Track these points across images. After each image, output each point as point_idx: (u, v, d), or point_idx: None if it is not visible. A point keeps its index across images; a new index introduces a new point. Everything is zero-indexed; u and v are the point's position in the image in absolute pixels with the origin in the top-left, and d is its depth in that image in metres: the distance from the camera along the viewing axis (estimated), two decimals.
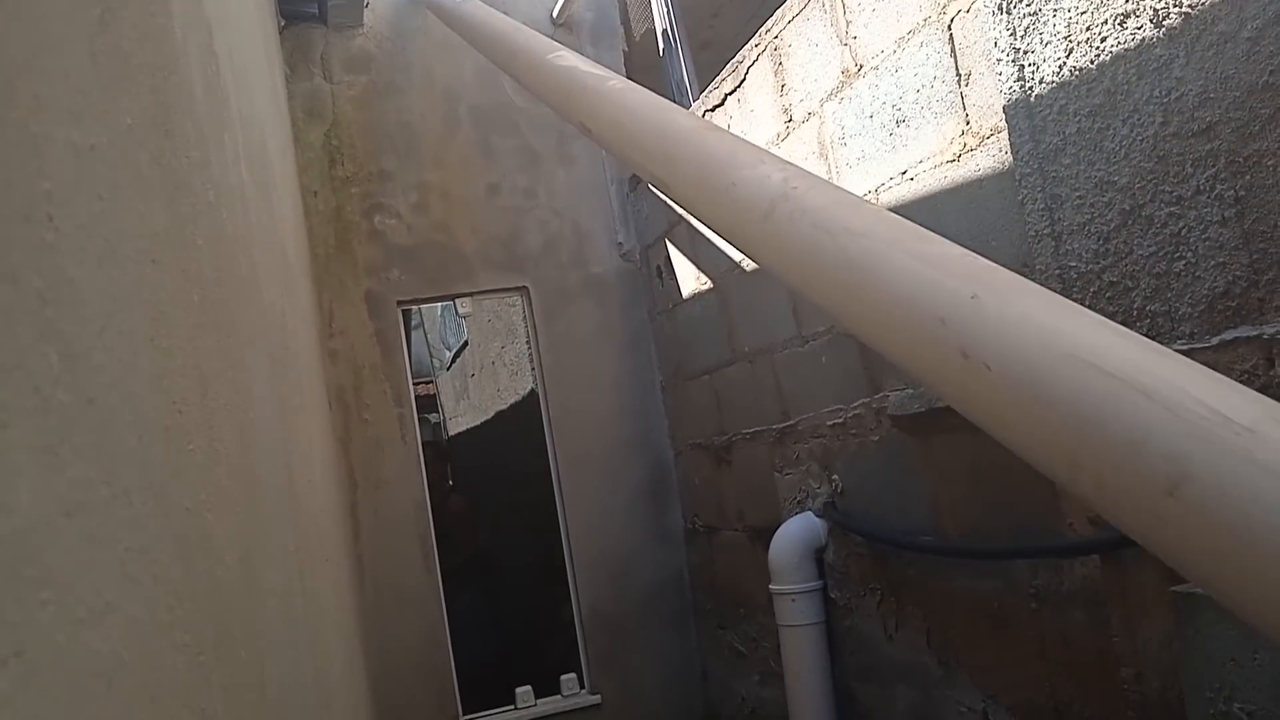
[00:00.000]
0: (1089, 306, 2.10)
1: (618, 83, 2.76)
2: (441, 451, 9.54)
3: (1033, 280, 2.29)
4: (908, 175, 2.78)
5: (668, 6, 4.80)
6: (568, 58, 3.06)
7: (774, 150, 3.49)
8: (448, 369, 11.46)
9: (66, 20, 0.63)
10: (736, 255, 3.94)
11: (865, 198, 2.97)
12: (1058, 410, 1.23)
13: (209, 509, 0.98)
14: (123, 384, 0.72)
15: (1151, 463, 1.12)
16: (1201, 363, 1.86)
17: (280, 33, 4.63)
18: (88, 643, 0.57)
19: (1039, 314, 1.33)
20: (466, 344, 10.33)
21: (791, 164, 1.96)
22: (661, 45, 4.88)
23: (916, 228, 1.67)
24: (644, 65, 5.32)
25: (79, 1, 0.67)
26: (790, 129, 3.37)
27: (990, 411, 1.37)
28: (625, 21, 5.34)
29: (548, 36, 5.05)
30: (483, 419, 9.59)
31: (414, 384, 5.16)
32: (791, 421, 3.72)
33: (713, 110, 3.95)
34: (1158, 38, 1.86)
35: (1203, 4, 1.76)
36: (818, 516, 3.61)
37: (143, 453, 0.77)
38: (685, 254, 4.53)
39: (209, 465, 1.01)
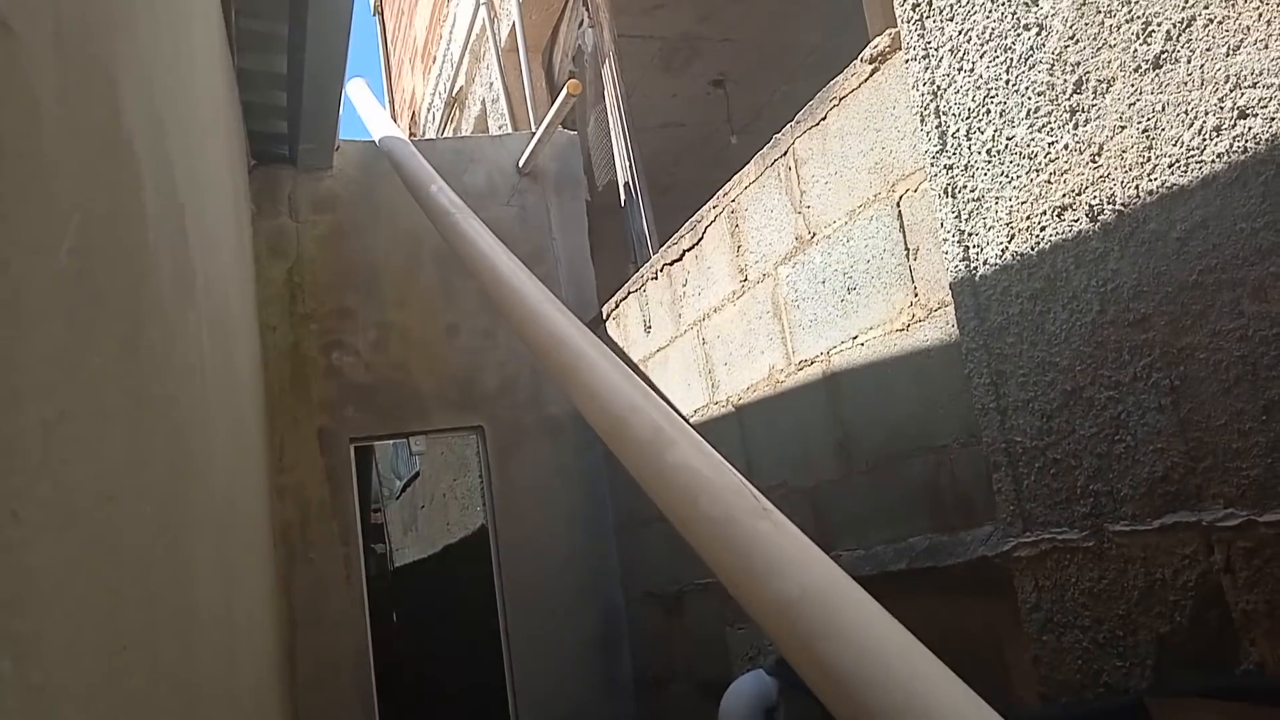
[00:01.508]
0: (1034, 482, 2.14)
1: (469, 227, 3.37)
2: (387, 584, 9.31)
3: (980, 451, 2.34)
4: (859, 340, 2.85)
5: (630, 160, 4.97)
6: (441, 194, 3.65)
7: (729, 308, 3.58)
8: (397, 498, 11.28)
9: (42, 291, 0.64)
10: (692, 404, 3.98)
11: (818, 358, 3.04)
12: None
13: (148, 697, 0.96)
14: (72, 604, 0.71)
15: None
16: (1143, 545, 1.90)
17: (250, 172, 4.71)
18: None
19: None
20: (418, 475, 10.21)
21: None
22: (623, 196, 5.03)
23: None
24: (607, 211, 5.47)
25: (55, 274, 0.68)
26: (745, 288, 3.46)
27: None
28: (589, 172, 5.51)
29: (513, 184, 5.20)
30: (430, 551, 9.40)
31: (361, 514, 5.07)
32: None
33: (671, 264, 4.05)
34: (1094, 231, 1.96)
35: (1135, 203, 1.86)
36: (769, 674, 3.54)
37: (86, 663, 0.76)
38: None
39: (151, 679, 0.99)
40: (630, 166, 4.92)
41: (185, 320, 1.28)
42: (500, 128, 6.63)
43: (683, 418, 4.02)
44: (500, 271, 3.07)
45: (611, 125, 5.05)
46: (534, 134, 5.15)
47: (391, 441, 10.32)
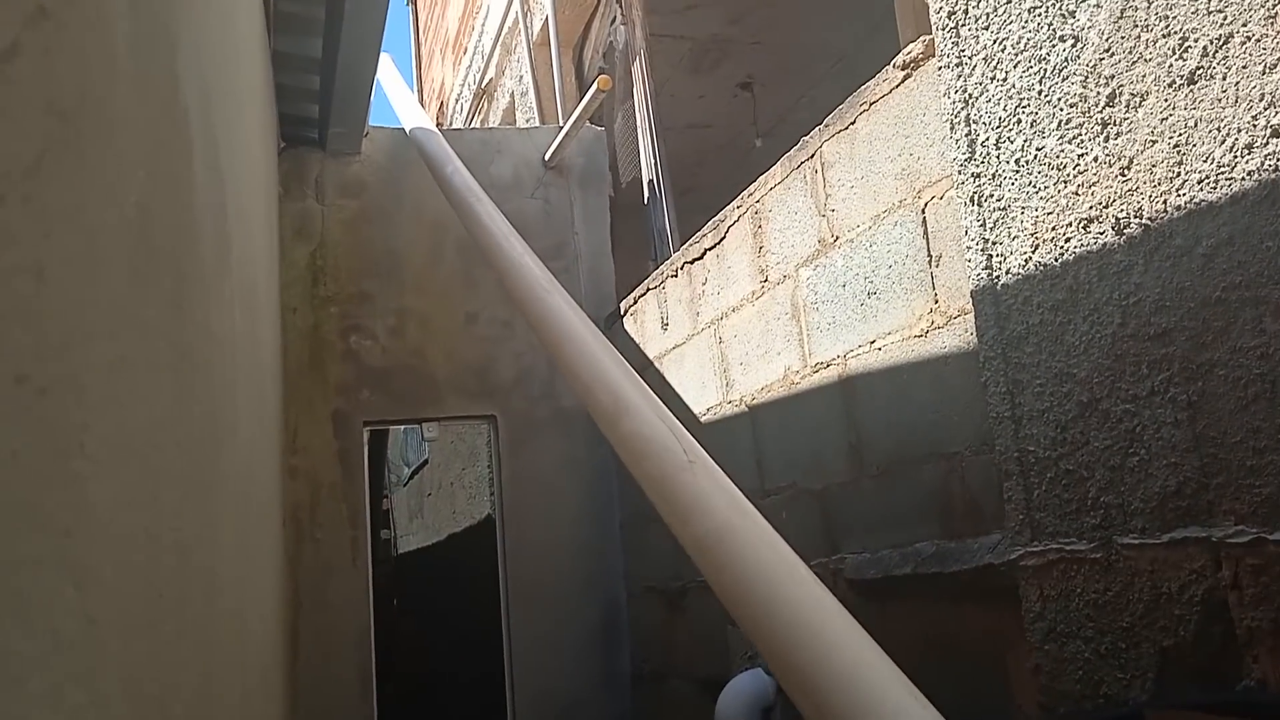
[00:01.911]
0: (1044, 492, 2.16)
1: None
2: (390, 570, 9.35)
3: (992, 460, 2.36)
4: (876, 345, 2.86)
5: (655, 158, 5.00)
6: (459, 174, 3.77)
7: (748, 308, 3.60)
8: (404, 485, 11.33)
9: (111, 239, 0.67)
10: (706, 403, 4.00)
11: (834, 361, 3.05)
12: None
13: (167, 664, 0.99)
14: (108, 554, 0.73)
15: None
16: (1151, 558, 1.91)
17: (279, 154, 4.75)
18: None
19: None
20: (426, 462, 10.25)
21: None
22: (646, 194, 5.06)
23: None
24: (629, 208, 5.50)
25: (123, 223, 0.71)
26: (765, 289, 3.48)
27: None
28: (614, 168, 5.53)
29: (538, 177, 5.23)
30: (435, 539, 9.45)
31: (372, 499, 5.11)
32: None
33: (692, 263, 4.07)
34: (1119, 244, 1.97)
35: (1162, 218, 1.88)
36: (767, 674, 3.56)
37: (122, 614, 0.78)
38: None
39: (178, 638, 1.01)
40: (655, 164, 4.94)
41: (222, 290, 1.31)
42: (528, 121, 6.66)
43: (687, 417, 4.04)
44: (509, 256, 3.26)
45: (639, 122, 5.08)
46: (561, 128, 5.18)
47: (402, 429, 10.38)
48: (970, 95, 2.32)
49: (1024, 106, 2.17)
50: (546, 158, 5.28)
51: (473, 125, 8.44)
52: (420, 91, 11.84)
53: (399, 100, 5.09)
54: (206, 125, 1.28)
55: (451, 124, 9.55)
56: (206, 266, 1.13)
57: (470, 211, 3.63)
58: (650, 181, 5.02)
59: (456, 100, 9.31)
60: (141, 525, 0.81)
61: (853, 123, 2.94)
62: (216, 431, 1.33)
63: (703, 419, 4.05)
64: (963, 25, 2.32)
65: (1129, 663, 1.99)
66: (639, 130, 5.09)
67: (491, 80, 7.85)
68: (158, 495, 0.87)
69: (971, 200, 2.35)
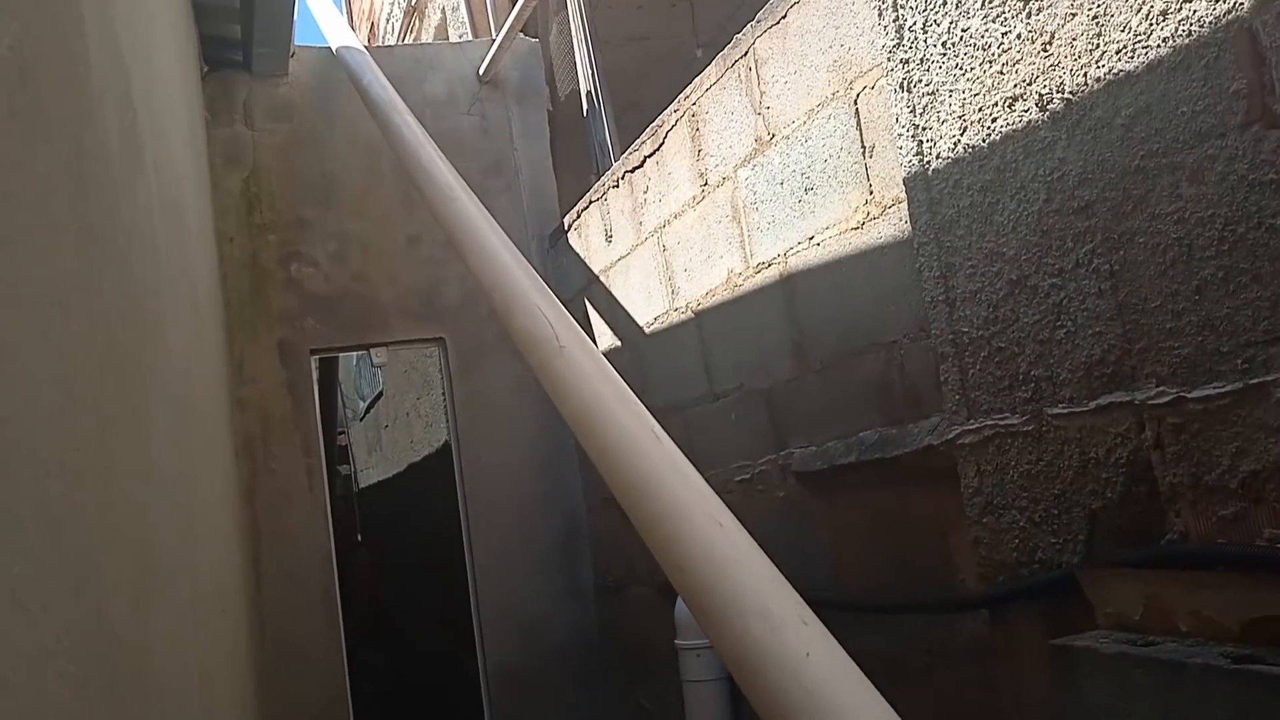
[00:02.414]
0: (979, 371, 2.21)
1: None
2: (351, 504, 9.36)
3: (929, 344, 2.40)
4: (815, 241, 2.88)
5: (592, 69, 4.92)
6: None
7: (689, 213, 3.59)
8: (360, 420, 11.29)
9: None
10: (652, 312, 4.02)
11: (775, 260, 3.07)
12: None
13: (103, 548, 0.99)
14: (22, 420, 0.73)
15: None
16: (1079, 426, 1.97)
17: (203, 78, 4.61)
18: None
19: None
20: (381, 395, 10.21)
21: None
22: (585, 107, 4.99)
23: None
24: (568, 124, 5.43)
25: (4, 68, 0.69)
26: (705, 192, 3.47)
27: None
28: (551, 81, 5.45)
29: (474, 93, 5.13)
30: (395, 471, 9.46)
31: (326, 433, 5.10)
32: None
33: (632, 171, 4.04)
34: (1042, 120, 1.99)
35: (1083, 91, 1.89)
36: None
37: (38, 486, 0.78)
38: (601, 311, 4.59)
39: (104, 506, 1.01)
40: (592, 74, 4.87)
41: (134, 185, 1.28)
42: (461, 37, 6.51)
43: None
44: (421, 163, 3.37)
45: (574, 32, 4.99)
46: (494, 41, 5.07)
47: (354, 361, 10.31)
48: None
49: None
50: (481, 72, 5.18)
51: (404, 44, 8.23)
52: (349, 14, 11.51)
53: (322, 14, 4.95)
54: (104, 10, 1.24)
55: (383, 45, 9.31)
56: (111, 151, 1.11)
57: (388, 122, 3.62)
58: (589, 93, 4.95)
59: (388, 20, 9.07)
60: (52, 405, 0.80)
61: (784, 16, 2.91)
62: (142, 322, 1.31)
63: (650, 328, 4.07)
64: None
65: (1061, 528, 2.07)
66: (574, 39, 5.00)
67: None
68: (71, 370, 0.86)
69: (901, 87, 2.35)
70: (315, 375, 4.91)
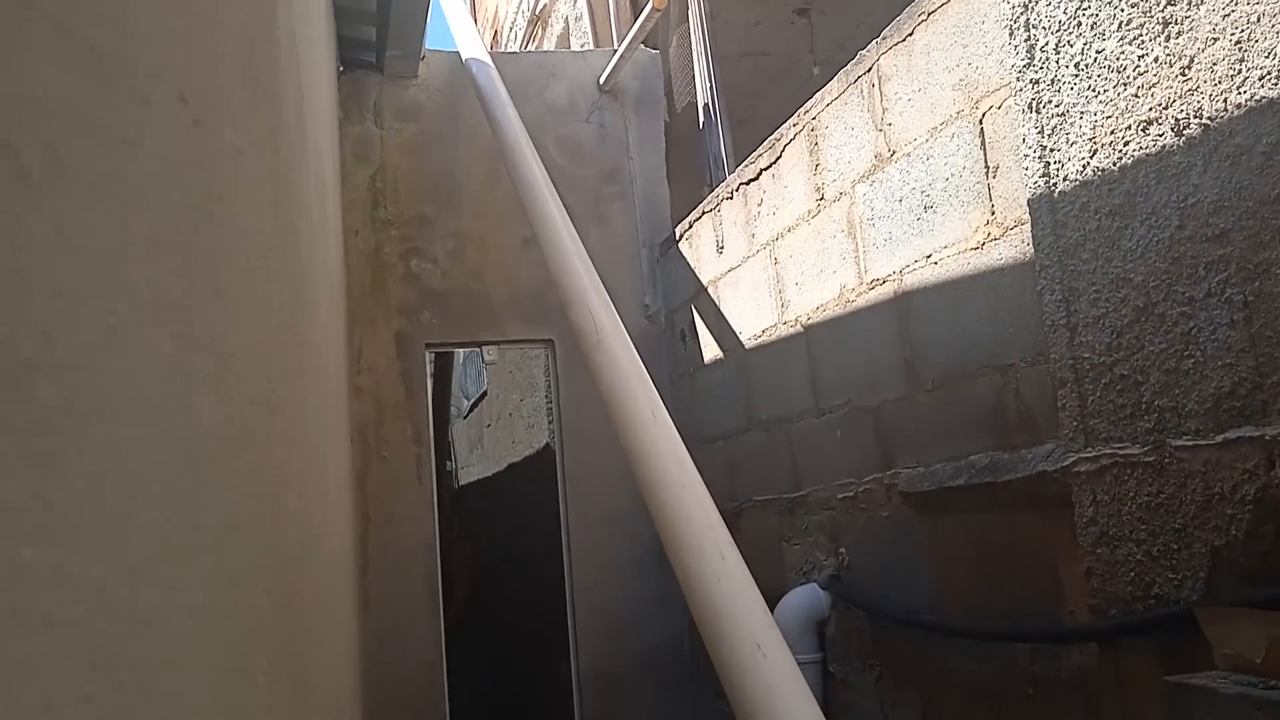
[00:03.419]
0: (1099, 398, 2.16)
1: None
2: (452, 499, 9.57)
3: (1046, 370, 2.37)
4: (932, 259, 2.87)
5: (711, 82, 4.97)
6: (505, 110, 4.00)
7: (803, 227, 3.60)
8: (464, 418, 11.54)
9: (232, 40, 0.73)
10: (761, 324, 4.03)
11: (890, 277, 3.06)
12: None
13: (283, 485, 1.06)
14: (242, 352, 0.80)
15: None
16: (1204, 459, 1.92)
17: (338, 77, 4.81)
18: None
19: None
20: (485, 394, 10.42)
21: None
22: (702, 119, 5.04)
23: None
24: (684, 135, 5.48)
25: (238, 29, 0.77)
26: (821, 207, 3.48)
27: None
28: (669, 93, 5.51)
29: (593, 101, 5.22)
30: (495, 470, 9.63)
31: (438, 424, 5.23)
32: (803, 492, 3.77)
33: (748, 184, 4.07)
34: (1178, 145, 1.95)
35: (1222, 117, 1.86)
36: (822, 588, 3.63)
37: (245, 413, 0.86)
38: (708, 321, 4.63)
39: (278, 459, 1.09)
40: (711, 87, 4.91)
41: (303, 166, 1.37)
42: (582, 46, 6.63)
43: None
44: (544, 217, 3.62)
45: (694, 45, 5.04)
46: (616, 51, 5.16)
47: (461, 361, 10.54)
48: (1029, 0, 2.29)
49: (1084, 8, 2.14)
50: (601, 81, 5.27)
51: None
52: (474, 21, 11.80)
53: (455, 23, 5.10)
54: (287, 10, 1.33)
55: (508, 51, 9.53)
56: (291, 129, 1.19)
57: (509, 148, 3.80)
58: (705, 105, 5.00)
59: (511, 28, 9.28)
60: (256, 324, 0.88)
61: (910, 34, 2.91)
62: (303, 291, 1.39)
63: (758, 340, 4.09)
64: None
65: (1180, 563, 2.02)
66: (694, 52, 5.05)
67: (545, 6, 7.81)
68: (271, 306, 0.95)
69: (1030, 107, 2.33)
70: (430, 369, 5.06)
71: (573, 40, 7.08)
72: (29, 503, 0.51)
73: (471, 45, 4.84)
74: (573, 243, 3.26)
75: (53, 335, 0.52)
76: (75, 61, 0.54)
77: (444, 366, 8.45)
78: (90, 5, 0.56)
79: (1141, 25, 2.00)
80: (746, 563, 4.32)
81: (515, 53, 7.68)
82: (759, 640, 2.05)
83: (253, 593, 0.97)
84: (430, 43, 4.99)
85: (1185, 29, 1.91)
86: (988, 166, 2.63)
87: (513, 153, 3.76)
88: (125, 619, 0.62)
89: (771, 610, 3.69)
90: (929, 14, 2.81)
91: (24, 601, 0.50)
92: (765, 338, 4.01)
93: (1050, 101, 2.27)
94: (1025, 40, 2.32)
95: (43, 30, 0.52)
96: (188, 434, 0.75)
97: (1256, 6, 1.75)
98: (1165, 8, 1.94)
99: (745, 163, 4.13)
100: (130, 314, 0.59)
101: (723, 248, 4.39)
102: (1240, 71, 1.80)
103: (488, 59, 4.45)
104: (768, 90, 8.07)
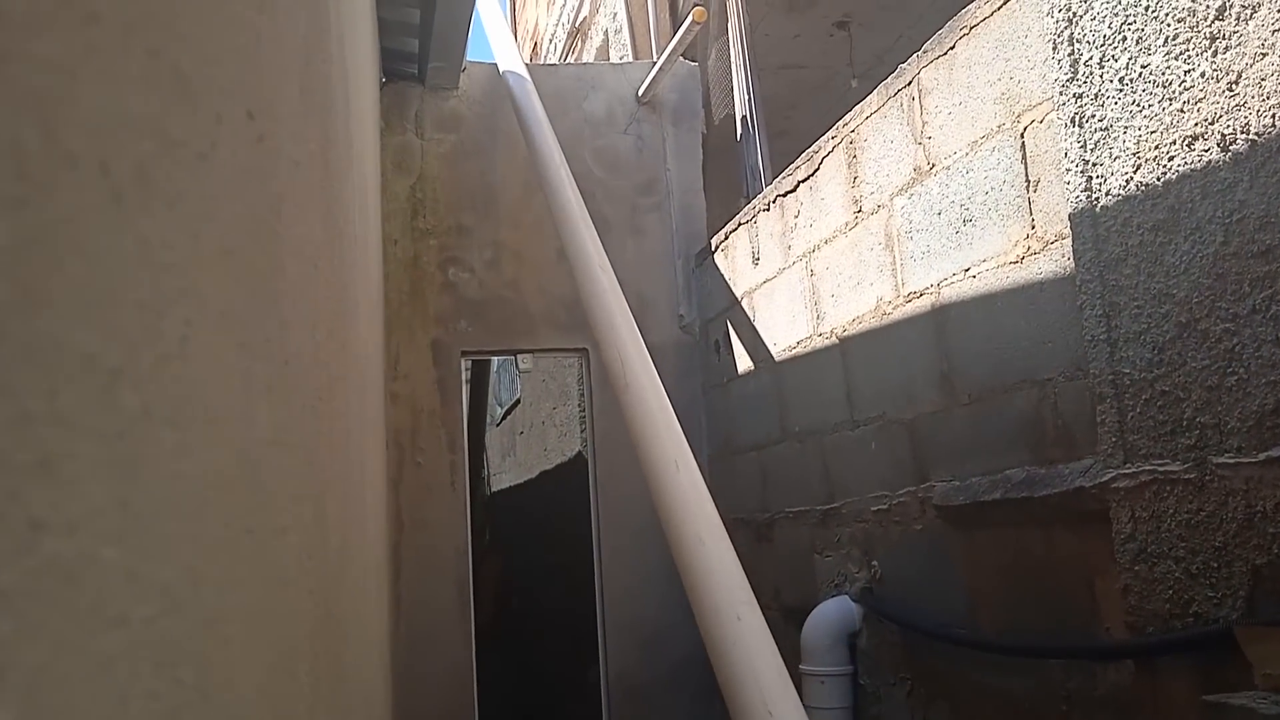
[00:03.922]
0: (1139, 414, 2.15)
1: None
2: (483, 506, 9.62)
3: (1085, 385, 2.35)
4: (970, 273, 2.86)
5: (749, 95, 4.98)
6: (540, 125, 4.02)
7: (840, 239, 3.60)
8: (497, 425, 11.60)
9: (291, 55, 0.76)
10: (796, 336, 4.03)
11: (927, 290, 3.05)
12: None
13: (327, 489, 1.09)
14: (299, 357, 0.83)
15: None
16: (1246, 477, 1.91)
17: (380, 88, 4.88)
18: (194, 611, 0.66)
19: None
20: (518, 402, 10.48)
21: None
22: (740, 131, 5.05)
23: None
24: (721, 147, 5.50)
25: (297, 45, 0.80)
26: (858, 219, 3.48)
27: None
28: (707, 105, 5.53)
29: (631, 113, 5.26)
30: (527, 478, 9.67)
31: (475, 431, 5.27)
32: (836, 504, 3.76)
33: (784, 195, 4.07)
34: (1224, 161, 1.94)
35: (1269, 133, 1.84)
36: (854, 601, 3.62)
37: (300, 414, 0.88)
38: (743, 333, 4.63)
39: (322, 460, 1.11)
40: (749, 99, 4.93)
41: (349, 174, 1.40)
42: (621, 58, 6.67)
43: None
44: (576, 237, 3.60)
45: (733, 57, 5.06)
46: (655, 63, 5.19)
47: (494, 368, 10.61)
48: (1074, 14, 2.28)
49: (1129, 23, 2.13)
50: (640, 93, 5.30)
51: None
52: (514, 34, 11.90)
53: (495, 36, 5.16)
54: (338, 20, 1.36)
55: (547, 63, 9.60)
56: (339, 138, 1.22)
57: (548, 179, 3.83)
58: (743, 118, 5.01)
59: (550, 40, 9.35)
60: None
61: (952, 48, 2.91)
62: (345, 297, 1.42)
63: (793, 351, 4.09)
64: None
65: (1220, 581, 1.99)
66: (733, 65, 5.07)
67: (585, 19, 7.87)
68: (319, 312, 0.97)
69: (1073, 121, 2.33)
70: (465, 376, 5.10)
71: (612, 53, 7.13)
72: (110, 505, 0.53)
73: (509, 58, 4.88)
74: (605, 276, 3.27)
75: (137, 345, 0.55)
76: (163, 83, 0.57)
77: (480, 374, 8.51)
78: (177, 28, 0.59)
79: (1189, 40, 1.99)
80: (777, 574, 4.32)
81: (554, 65, 7.73)
82: (770, 706, 2.10)
83: (299, 595, 0.99)
84: (470, 54, 5.04)
85: (1233, 44, 1.89)
86: (1028, 180, 2.62)
87: (547, 175, 3.81)
88: (187, 619, 0.64)
89: (802, 622, 3.70)
90: (971, 28, 2.81)
91: (103, 601, 0.52)
92: (800, 349, 4.01)
93: (1093, 116, 2.26)
94: (1069, 54, 2.32)
95: (137, 55, 0.54)
96: (245, 440, 0.78)
97: None
98: (1213, 23, 1.93)
99: (783, 175, 4.14)
100: (200, 323, 0.62)
101: (758, 259, 4.40)
102: None
103: (525, 73, 4.50)
104: (805, 102, 8.08)
